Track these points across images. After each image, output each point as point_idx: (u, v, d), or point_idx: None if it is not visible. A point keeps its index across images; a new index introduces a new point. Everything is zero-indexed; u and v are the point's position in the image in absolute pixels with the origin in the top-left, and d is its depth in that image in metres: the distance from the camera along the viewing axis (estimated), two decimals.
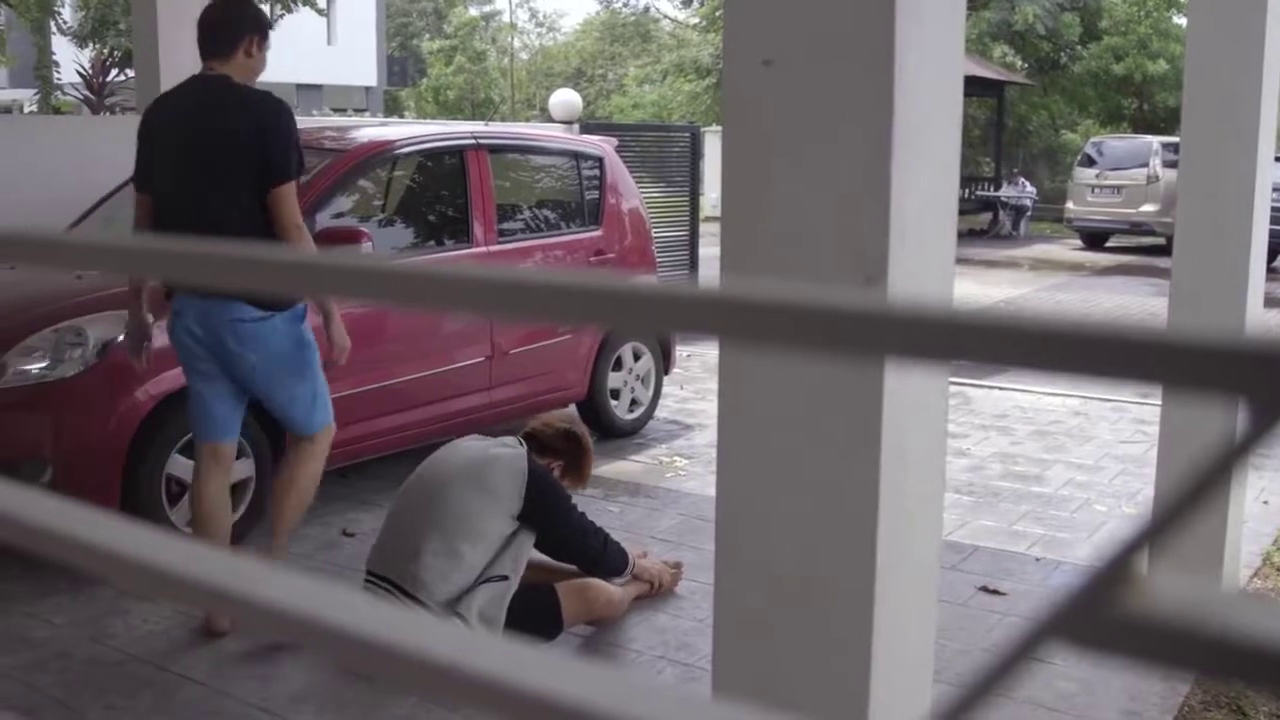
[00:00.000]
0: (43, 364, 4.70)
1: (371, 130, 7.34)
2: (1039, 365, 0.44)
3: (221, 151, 3.98)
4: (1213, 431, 0.40)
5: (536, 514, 4.11)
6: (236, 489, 5.05)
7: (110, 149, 8.10)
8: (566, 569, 4.34)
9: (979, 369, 8.38)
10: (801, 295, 0.49)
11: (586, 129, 11.19)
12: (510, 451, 4.24)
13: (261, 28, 4.24)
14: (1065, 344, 0.43)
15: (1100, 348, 0.42)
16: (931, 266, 2.23)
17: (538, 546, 4.19)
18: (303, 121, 13.81)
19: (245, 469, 5.08)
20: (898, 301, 0.46)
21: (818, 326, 0.49)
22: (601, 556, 4.36)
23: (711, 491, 2.49)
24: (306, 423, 4.31)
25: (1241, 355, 0.39)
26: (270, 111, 4.04)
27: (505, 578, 4.00)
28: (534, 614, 4.06)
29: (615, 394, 7.05)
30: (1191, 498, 0.39)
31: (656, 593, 4.53)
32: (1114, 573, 0.41)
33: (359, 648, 0.61)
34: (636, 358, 7.16)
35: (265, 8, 18.64)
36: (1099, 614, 0.42)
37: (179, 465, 4.87)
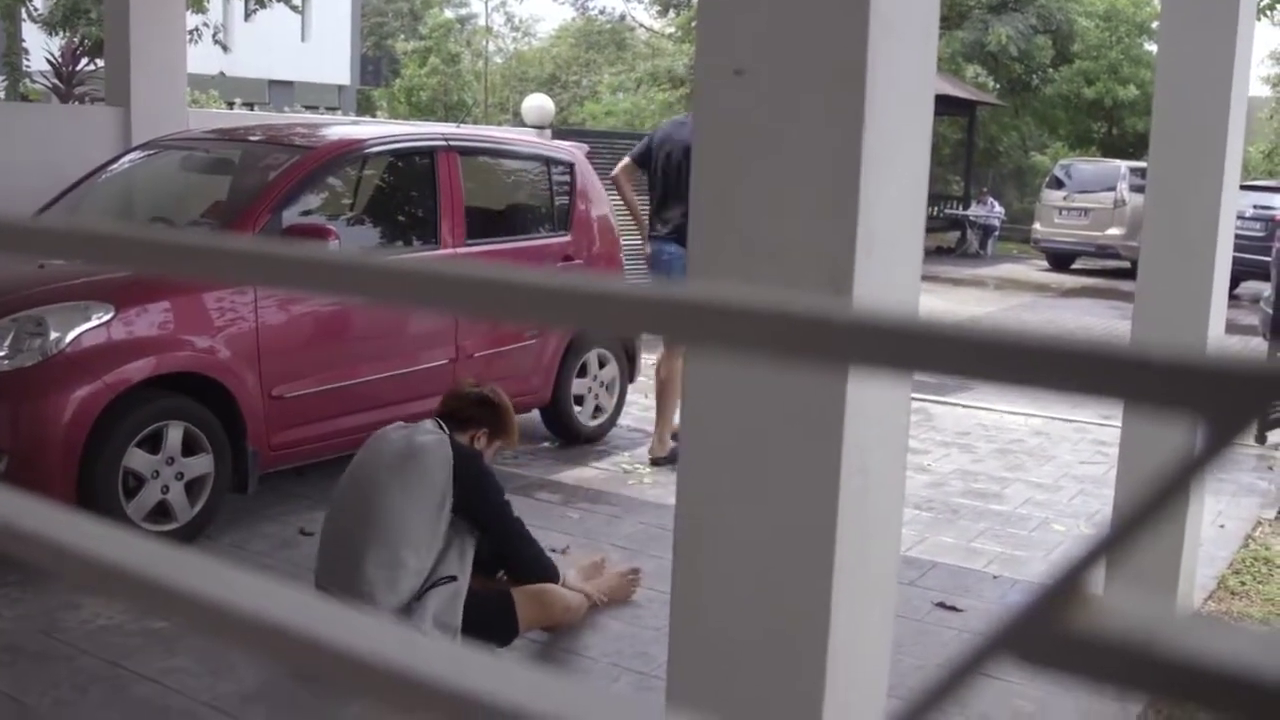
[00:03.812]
0: (1, 353, 4.65)
1: (342, 129, 7.31)
2: (1000, 378, 0.43)
3: None
4: (1171, 453, 0.40)
5: (467, 502, 4.02)
6: (195, 485, 5.03)
7: (77, 138, 8.06)
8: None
9: (941, 386, 8.42)
10: (767, 299, 0.49)
11: (558, 134, 11.19)
12: (433, 438, 4.12)
13: None
14: (1027, 357, 0.43)
15: (1061, 362, 0.42)
16: (898, 281, 2.23)
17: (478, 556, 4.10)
18: (273, 118, 13.73)
19: (204, 465, 5.05)
20: (861, 309, 0.46)
21: (782, 331, 0.49)
22: (532, 558, 4.24)
23: (672, 500, 2.48)
24: None
25: (1200, 372, 0.39)
26: None
27: (454, 578, 3.95)
28: (489, 619, 4.03)
29: (579, 400, 7.04)
30: (1147, 514, 0.39)
31: (608, 603, 4.49)
32: (1065, 589, 0.41)
33: (308, 649, 0.60)
34: (601, 365, 7.15)
35: (238, 2, 18.57)
36: (1049, 631, 0.41)
37: (137, 458, 4.82)
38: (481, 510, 4.09)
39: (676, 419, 6.75)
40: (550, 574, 4.29)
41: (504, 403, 4.45)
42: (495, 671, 0.55)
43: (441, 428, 4.21)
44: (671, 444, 6.59)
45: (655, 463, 6.68)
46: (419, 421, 4.28)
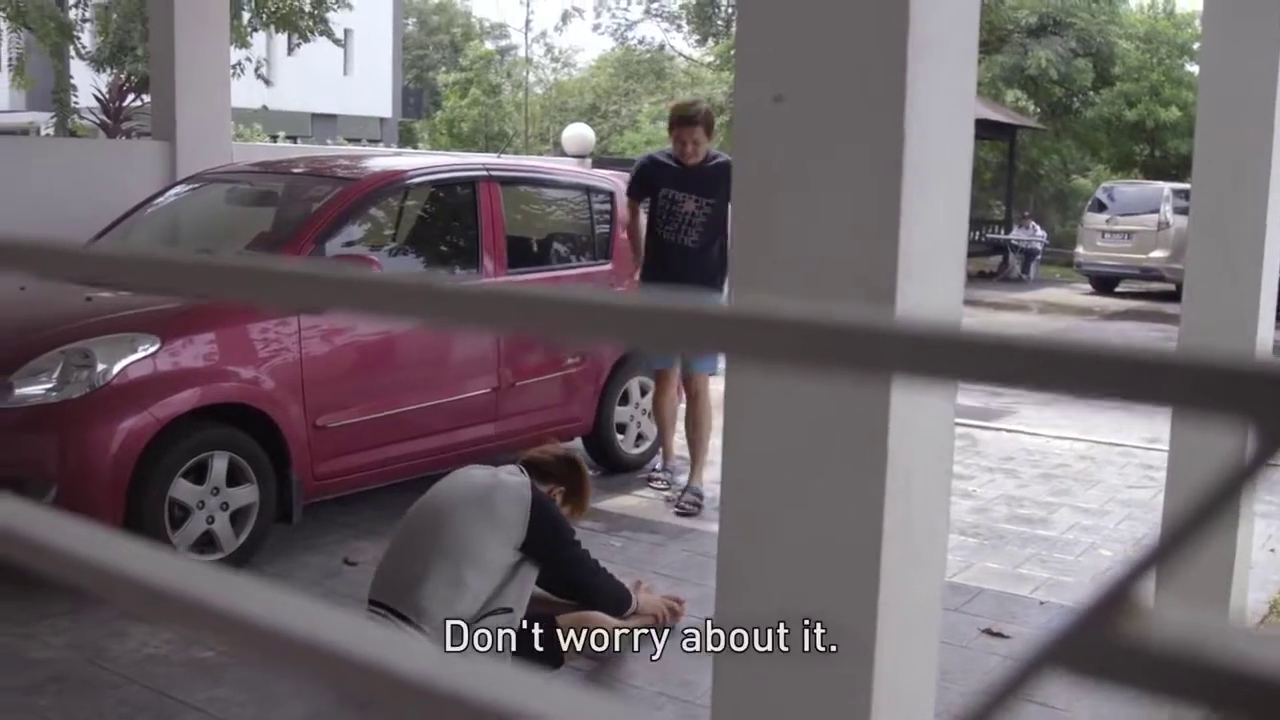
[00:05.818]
0: (49, 385, 4.70)
1: (385, 160, 7.37)
2: (1047, 385, 0.43)
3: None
4: (1221, 468, 0.39)
5: (539, 543, 4.10)
6: (240, 515, 5.05)
7: (123, 173, 8.17)
8: (568, 603, 4.33)
9: (986, 411, 8.37)
10: (812, 312, 0.49)
11: (599, 164, 11.23)
12: (515, 479, 4.26)
13: None
14: (1073, 363, 0.42)
15: (1110, 367, 0.41)
16: (939, 304, 2.22)
17: (539, 581, 4.18)
18: (316, 151, 13.85)
19: (249, 495, 5.08)
20: (905, 319, 0.45)
21: (828, 342, 0.49)
22: (602, 591, 4.36)
23: (715, 528, 2.47)
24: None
25: (1250, 376, 0.38)
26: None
27: (509, 610, 4.00)
28: (533, 647, 4.04)
29: (621, 428, 7.04)
30: (1197, 522, 0.39)
31: (659, 627, 4.51)
32: (1117, 600, 0.41)
33: (358, 672, 0.60)
34: (643, 392, 7.14)
35: (281, 37, 18.78)
36: (1100, 641, 0.41)
37: (182, 489, 4.86)
38: (555, 551, 4.22)
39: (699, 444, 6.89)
40: (624, 599, 4.44)
41: (585, 472, 4.66)
42: (545, 695, 0.55)
43: (523, 472, 4.34)
44: (662, 474, 6.88)
45: (650, 476, 6.95)
46: (503, 465, 4.43)
